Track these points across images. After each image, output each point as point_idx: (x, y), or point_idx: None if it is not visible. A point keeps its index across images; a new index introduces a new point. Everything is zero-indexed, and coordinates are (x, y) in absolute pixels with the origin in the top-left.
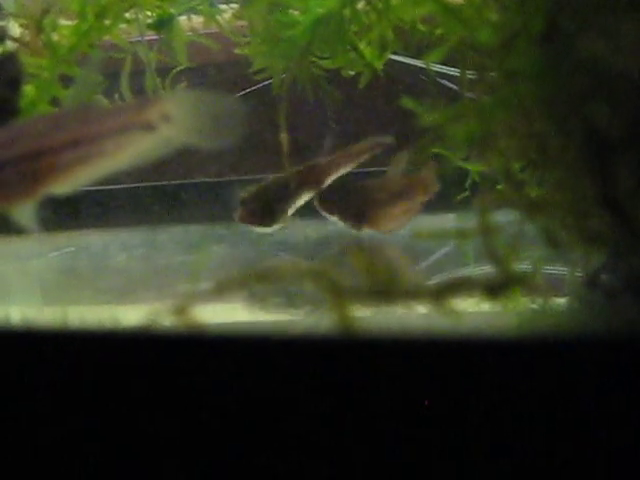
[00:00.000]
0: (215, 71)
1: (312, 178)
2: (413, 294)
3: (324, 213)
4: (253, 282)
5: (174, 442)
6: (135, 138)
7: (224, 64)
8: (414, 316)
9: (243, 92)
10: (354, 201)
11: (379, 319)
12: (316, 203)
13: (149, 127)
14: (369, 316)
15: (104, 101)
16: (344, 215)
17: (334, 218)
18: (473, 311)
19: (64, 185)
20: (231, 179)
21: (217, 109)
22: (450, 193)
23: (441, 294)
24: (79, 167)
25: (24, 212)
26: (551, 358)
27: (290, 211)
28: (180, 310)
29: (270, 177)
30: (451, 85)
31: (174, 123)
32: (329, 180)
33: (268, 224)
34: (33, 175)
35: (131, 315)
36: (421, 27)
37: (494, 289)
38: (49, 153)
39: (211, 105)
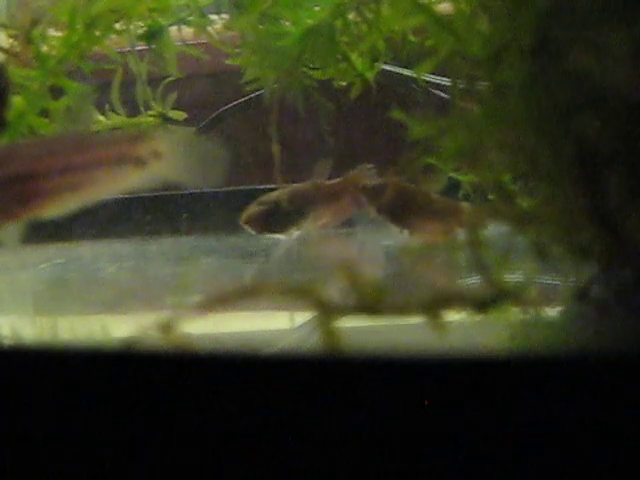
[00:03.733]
0: (206, 82)
1: (318, 197)
2: (402, 308)
3: (385, 221)
4: (239, 298)
5: (158, 456)
6: (125, 171)
7: (215, 75)
8: (403, 330)
9: (234, 103)
10: (413, 212)
11: (367, 334)
12: (374, 211)
13: (140, 162)
14: (356, 331)
15: (95, 113)
16: (403, 225)
17: (393, 227)
18: (463, 324)
19: (50, 210)
20: (222, 190)
21: (204, 151)
22: None
23: (431, 308)
24: (67, 194)
25: (8, 232)
26: (542, 373)
27: (302, 225)
28: (165, 327)
29: (286, 188)
30: (444, 95)
31: (164, 160)
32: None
33: (270, 232)
34: (20, 198)
35: (119, 327)
36: (412, 38)
37: (484, 303)
38: (39, 178)
39: (199, 146)
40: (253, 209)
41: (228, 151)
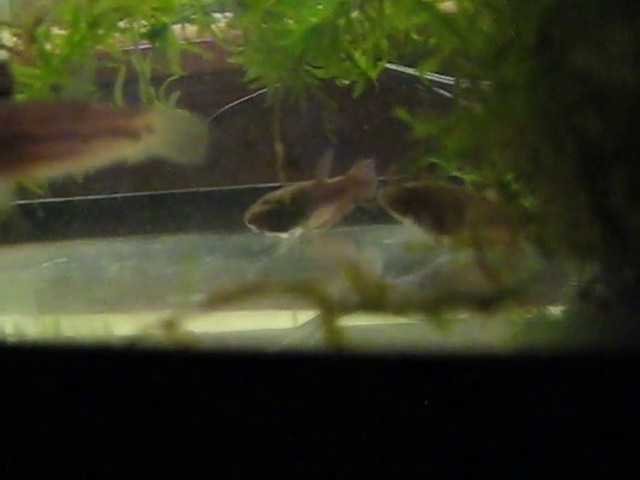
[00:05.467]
0: (209, 80)
1: (321, 195)
2: (405, 307)
3: (396, 215)
4: (242, 296)
5: (158, 456)
6: (120, 143)
7: (218, 73)
8: (406, 329)
9: (237, 101)
10: (434, 208)
11: (370, 333)
12: (385, 204)
13: (134, 135)
14: (360, 330)
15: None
16: (421, 220)
17: (407, 222)
18: (466, 322)
19: (43, 172)
20: (224, 189)
21: (191, 128)
22: None
23: (433, 307)
24: (63, 159)
25: (1, 190)
26: (543, 372)
27: (306, 223)
28: (168, 325)
29: (291, 186)
30: (448, 94)
31: (155, 135)
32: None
33: (275, 231)
34: (18, 157)
35: (122, 326)
36: (415, 36)
37: (487, 302)
38: (38, 140)
39: (186, 123)
40: (257, 208)
41: (211, 132)
